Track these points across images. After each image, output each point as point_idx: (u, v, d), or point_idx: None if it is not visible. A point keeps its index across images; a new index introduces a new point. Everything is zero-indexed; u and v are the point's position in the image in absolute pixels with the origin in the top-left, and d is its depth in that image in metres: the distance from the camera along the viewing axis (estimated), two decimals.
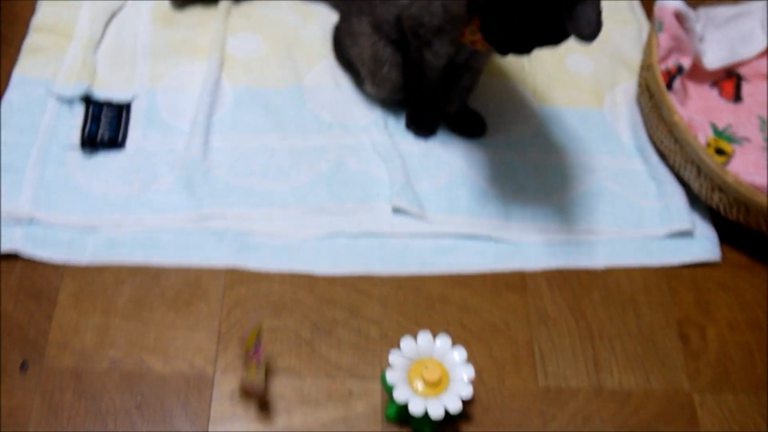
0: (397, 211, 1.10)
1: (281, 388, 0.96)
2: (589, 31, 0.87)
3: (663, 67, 1.21)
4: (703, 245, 1.13)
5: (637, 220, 1.14)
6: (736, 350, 1.05)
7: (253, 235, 1.07)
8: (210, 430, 0.93)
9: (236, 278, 1.04)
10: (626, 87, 1.31)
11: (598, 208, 1.15)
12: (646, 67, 1.22)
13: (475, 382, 0.96)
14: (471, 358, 0.97)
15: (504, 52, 0.95)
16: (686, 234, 1.13)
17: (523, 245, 1.10)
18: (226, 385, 0.96)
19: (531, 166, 1.18)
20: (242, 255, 1.06)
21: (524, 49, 0.94)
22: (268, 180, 1.12)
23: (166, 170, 1.11)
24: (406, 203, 1.09)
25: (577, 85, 1.30)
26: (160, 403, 0.94)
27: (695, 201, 1.16)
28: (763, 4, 1.35)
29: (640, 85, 1.26)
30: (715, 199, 1.11)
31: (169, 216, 1.07)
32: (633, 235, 1.13)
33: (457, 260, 1.08)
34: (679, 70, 1.23)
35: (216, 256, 1.05)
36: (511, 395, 0.99)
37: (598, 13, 0.88)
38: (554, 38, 0.93)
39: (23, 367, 0.95)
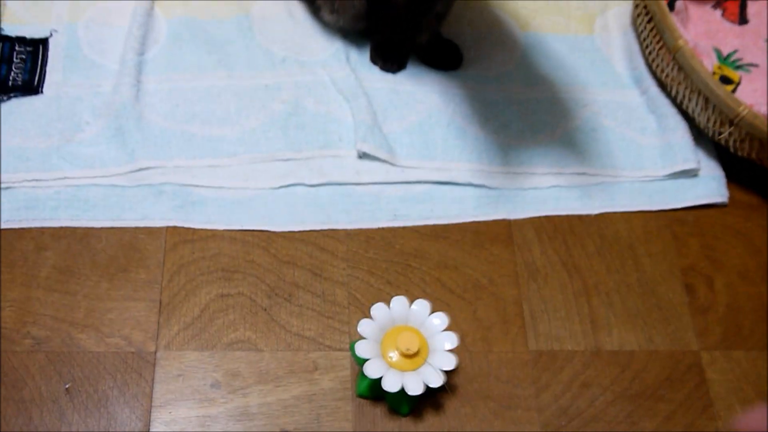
0: (363, 156, 1.01)
1: (235, 364, 0.88)
2: None
3: None
4: (708, 186, 1.06)
5: (636, 160, 1.07)
6: (747, 302, 0.99)
7: (196, 189, 0.99)
8: (153, 415, 0.85)
9: (179, 238, 0.95)
10: (620, 10, 1.23)
11: (592, 147, 1.07)
12: None
13: (459, 349, 0.88)
14: (452, 322, 0.89)
15: None
16: (690, 173, 1.06)
17: (508, 191, 1.03)
18: (171, 363, 0.87)
19: (514, 102, 1.10)
20: (185, 211, 0.97)
21: None
22: (212, 125, 1.02)
23: (91, 117, 1.01)
24: (373, 147, 1.01)
25: (564, 9, 1.22)
26: (93, 387, 0.86)
27: (699, 136, 1.09)
28: None
29: (636, 7, 1.17)
30: (725, 134, 1.04)
31: (97, 171, 0.97)
32: (631, 177, 1.05)
33: (433, 210, 1.00)
34: None
35: (154, 214, 0.96)
36: (499, 362, 0.92)
37: None
38: None
39: None
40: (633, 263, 1.00)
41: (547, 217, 1.02)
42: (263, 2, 1.14)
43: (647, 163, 1.06)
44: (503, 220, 1.01)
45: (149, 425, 0.85)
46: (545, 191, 1.03)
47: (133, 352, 0.88)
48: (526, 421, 0.88)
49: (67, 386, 0.86)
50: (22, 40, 1.05)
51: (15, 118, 1.00)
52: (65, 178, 0.97)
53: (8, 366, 0.86)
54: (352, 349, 0.85)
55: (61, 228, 0.95)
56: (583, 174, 1.05)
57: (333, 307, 0.93)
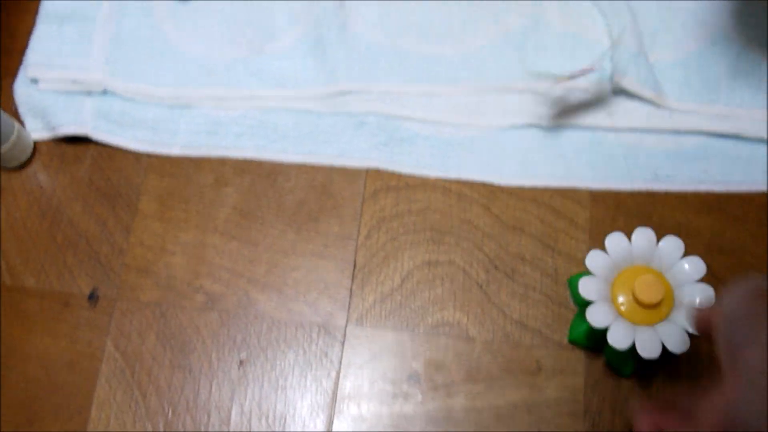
0: (620, 93, 0.81)
1: (441, 353, 0.74)
2: None
3: None
4: None
5: None
6: None
7: (406, 123, 0.82)
8: (338, 407, 0.72)
9: (381, 184, 0.80)
10: None
11: None
12: None
13: None
14: None
15: None
16: None
17: None
18: (362, 343, 0.74)
19: None
20: (390, 150, 0.81)
21: None
22: (430, 41, 0.85)
23: (287, 23, 0.86)
24: (636, 82, 0.80)
25: None
26: (271, 362, 0.75)
27: None
28: None
29: None
30: None
31: (290, 91, 0.83)
32: None
33: (708, 172, 0.80)
34: None
35: (353, 151, 0.82)
36: None
37: None
38: None
39: (92, 297, 0.77)
40: None
41: None
42: None
43: None
44: None
45: (332, 418, 0.72)
46: None
47: (319, 324, 0.75)
48: None
49: (241, 358, 0.74)
50: None
51: (198, 20, 0.87)
52: (253, 97, 0.83)
53: (176, 324, 0.76)
54: (571, 285, 0.70)
55: (245, 160, 0.82)
56: None
57: (567, 292, 0.75)
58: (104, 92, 0.84)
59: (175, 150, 0.83)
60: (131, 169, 0.82)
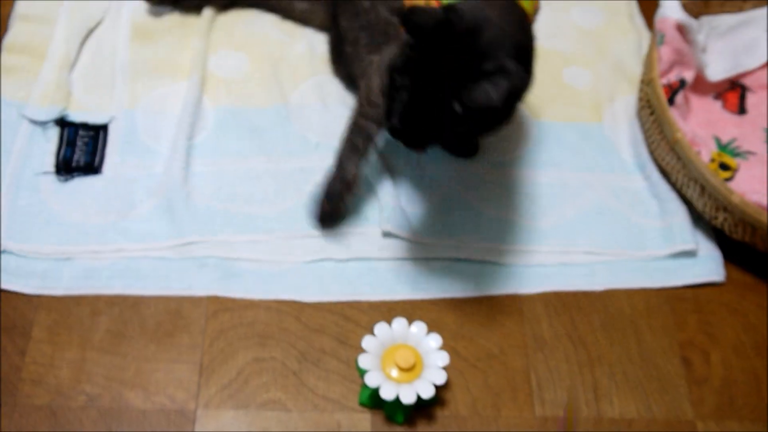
0: (387, 234, 1.11)
1: (266, 422, 0.97)
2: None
3: (665, 81, 1.23)
4: (706, 265, 1.14)
5: (638, 240, 1.15)
6: (741, 375, 1.06)
7: (236, 262, 1.09)
8: None
9: (219, 307, 1.05)
10: (627, 100, 1.33)
11: (598, 228, 1.16)
12: (647, 82, 1.23)
13: (470, 413, 0.97)
14: (465, 387, 0.99)
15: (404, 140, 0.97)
16: (689, 254, 1.14)
17: (519, 268, 1.12)
18: (209, 421, 0.97)
19: (527, 185, 1.19)
20: (225, 283, 1.07)
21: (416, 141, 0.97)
22: (252, 205, 1.13)
23: (144, 196, 1.12)
24: (397, 228, 1.11)
25: (576, 98, 1.32)
26: None
27: (698, 220, 1.17)
28: (766, 11, 1.37)
29: (640, 99, 1.27)
30: (720, 219, 1.12)
31: (148, 244, 1.08)
32: (634, 256, 1.14)
33: (450, 284, 1.09)
34: (682, 84, 1.25)
35: (198, 285, 1.07)
36: (507, 425, 0.99)
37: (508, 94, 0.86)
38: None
39: None
40: (634, 337, 1.08)
41: (555, 293, 1.11)
42: (300, 93, 1.26)
43: (649, 243, 1.15)
44: (514, 295, 1.10)
45: None
46: (553, 268, 1.12)
47: (176, 410, 0.98)
48: None
49: None
50: (85, 126, 1.18)
51: (77, 196, 1.12)
52: (120, 250, 1.08)
53: (64, 420, 0.96)
54: (356, 363, 0.96)
55: (115, 296, 1.05)
56: (590, 253, 1.13)
57: (356, 373, 1.01)
58: (2, 252, 1.06)
59: (59, 291, 1.05)
60: (24, 307, 1.03)
